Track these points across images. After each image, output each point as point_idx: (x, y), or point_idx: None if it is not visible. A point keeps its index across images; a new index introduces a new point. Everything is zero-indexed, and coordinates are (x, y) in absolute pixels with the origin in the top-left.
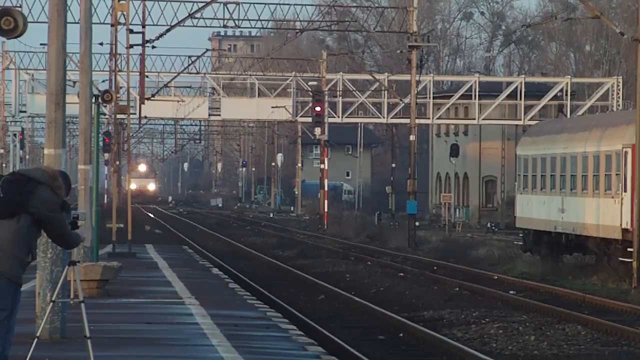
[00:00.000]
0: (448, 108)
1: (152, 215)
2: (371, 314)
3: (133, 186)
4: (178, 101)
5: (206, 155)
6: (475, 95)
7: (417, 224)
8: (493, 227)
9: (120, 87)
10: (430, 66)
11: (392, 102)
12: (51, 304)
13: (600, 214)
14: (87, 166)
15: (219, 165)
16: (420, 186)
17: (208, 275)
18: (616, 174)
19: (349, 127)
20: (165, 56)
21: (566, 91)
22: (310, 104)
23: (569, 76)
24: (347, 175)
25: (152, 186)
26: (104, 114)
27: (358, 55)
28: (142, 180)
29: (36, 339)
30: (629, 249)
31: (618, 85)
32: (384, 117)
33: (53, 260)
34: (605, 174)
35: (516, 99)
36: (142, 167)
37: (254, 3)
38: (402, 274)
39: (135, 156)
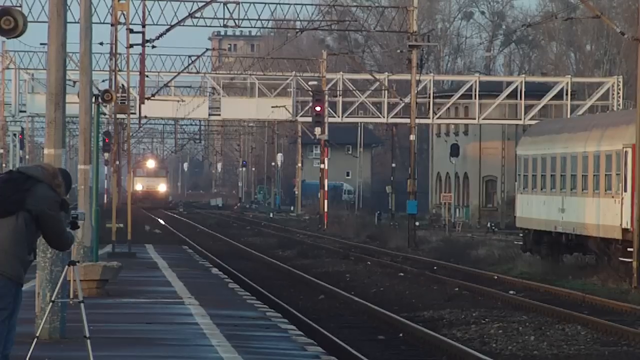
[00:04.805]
0: (448, 108)
1: (156, 217)
2: (371, 314)
3: (139, 187)
4: (178, 101)
5: (206, 155)
6: (475, 95)
7: (417, 224)
8: (493, 227)
9: (120, 87)
10: (431, 66)
11: (392, 102)
12: (51, 304)
13: (601, 214)
14: (87, 166)
15: (219, 165)
16: (420, 186)
17: (208, 275)
18: (616, 174)
19: (349, 127)
20: (165, 56)
21: (566, 91)
22: (310, 104)
23: (569, 76)
24: (347, 175)
25: (162, 187)
26: (104, 114)
27: (358, 55)
28: (150, 180)
29: (36, 339)
30: (629, 249)
31: (618, 85)
32: (384, 117)
33: (53, 260)
34: (606, 174)
35: (516, 99)
36: (151, 163)
37: (254, 3)
38: (402, 274)
39: (142, 152)
